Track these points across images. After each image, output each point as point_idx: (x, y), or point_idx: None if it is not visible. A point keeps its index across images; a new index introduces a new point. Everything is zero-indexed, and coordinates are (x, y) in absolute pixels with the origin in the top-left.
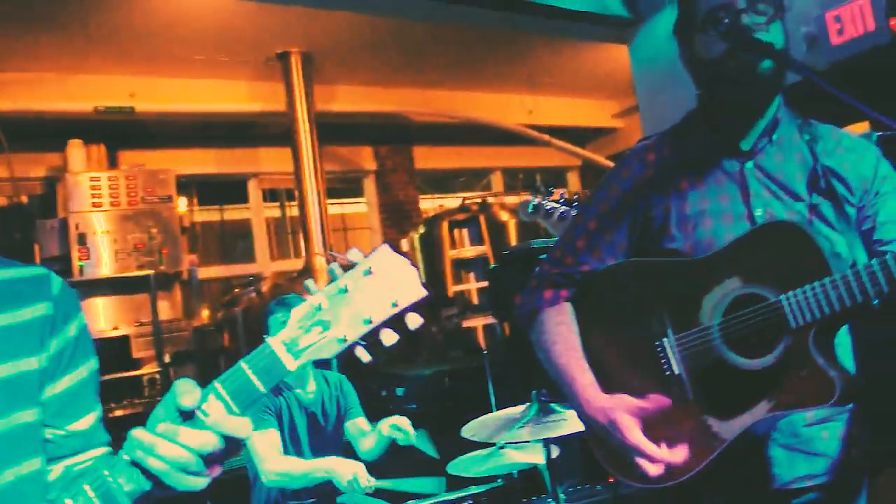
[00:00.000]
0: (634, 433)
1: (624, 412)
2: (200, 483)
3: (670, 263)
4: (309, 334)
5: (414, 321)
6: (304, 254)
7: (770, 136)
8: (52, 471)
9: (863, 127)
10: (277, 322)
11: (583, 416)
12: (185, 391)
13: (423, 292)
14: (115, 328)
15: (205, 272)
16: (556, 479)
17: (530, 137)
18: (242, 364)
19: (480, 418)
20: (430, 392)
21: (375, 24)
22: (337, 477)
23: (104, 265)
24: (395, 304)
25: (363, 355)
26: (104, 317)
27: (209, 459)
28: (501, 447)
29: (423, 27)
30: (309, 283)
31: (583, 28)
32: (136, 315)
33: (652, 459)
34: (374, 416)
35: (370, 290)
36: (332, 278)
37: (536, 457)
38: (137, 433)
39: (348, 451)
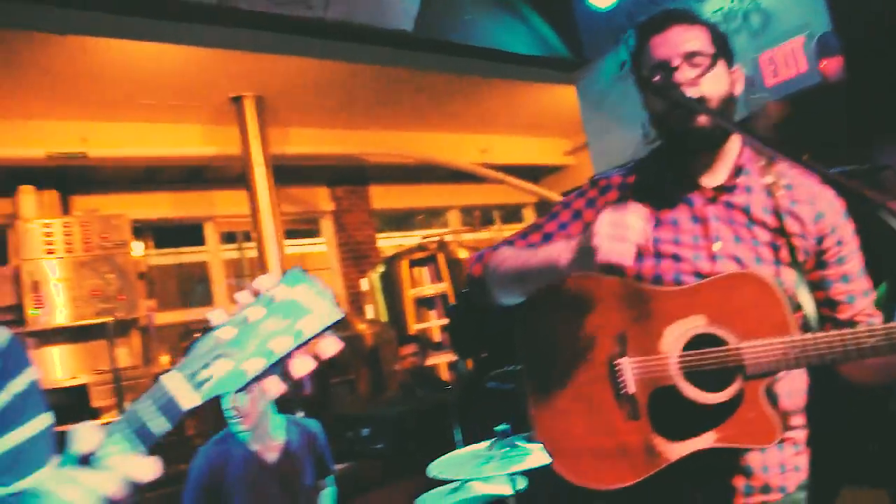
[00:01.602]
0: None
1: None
2: None
3: (638, 287)
4: (209, 368)
5: (328, 348)
6: None
7: (734, 177)
8: None
9: None
10: None
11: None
12: (81, 436)
13: (337, 315)
14: (73, 377)
15: (163, 317)
16: None
17: (485, 176)
18: (141, 402)
19: (446, 456)
20: (397, 431)
21: (327, 67)
22: None
23: (59, 313)
24: (301, 332)
25: (273, 387)
26: (61, 366)
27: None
28: (467, 481)
29: (375, 70)
30: (214, 314)
31: (530, 71)
32: (94, 363)
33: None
34: (340, 459)
35: (278, 317)
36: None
37: (503, 488)
38: (42, 477)
39: None
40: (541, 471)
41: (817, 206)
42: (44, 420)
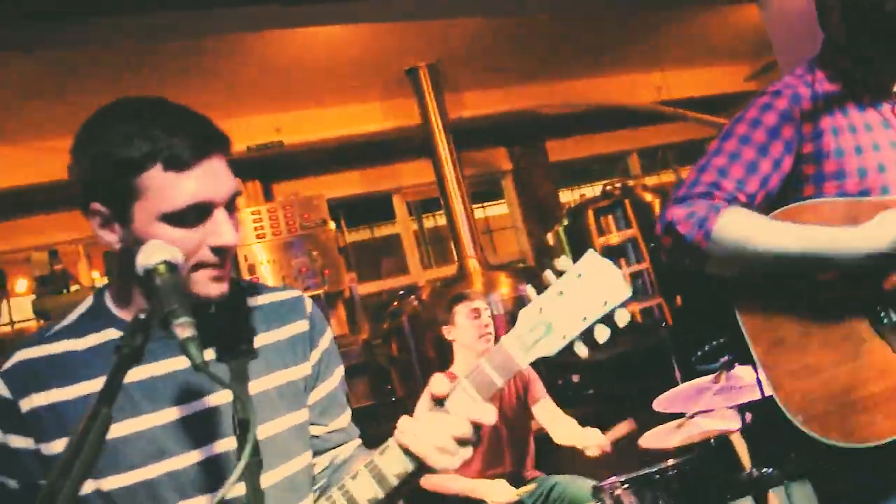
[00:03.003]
0: None
1: None
2: (455, 463)
3: (867, 203)
4: (534, 333)
5: (623, 318)
6: (456, 259)
7: None
8: (318, 462)
9: None
10: (463, 311)
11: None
12: (437, 384)
13: (629, 292)
14: None
15: (363, 288)
16: (751, 445)
17: (664, 114)
18: (482, 361)
19: (671, 391)
20: (606, 376)
21: (494, 25)
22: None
23: None
24: (606, 303)
25: (581, 351)
26: None
27: (461, 442)
28: (691, 417)
29: (540, 21)
30: (528, 289)
31: None
32: None
33: None
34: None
35: (583, 292)
36: (546, 285)
37: (729, 424)
38: (403, 421)
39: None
40: (768, 405)
41: None
42: (341, 370)
